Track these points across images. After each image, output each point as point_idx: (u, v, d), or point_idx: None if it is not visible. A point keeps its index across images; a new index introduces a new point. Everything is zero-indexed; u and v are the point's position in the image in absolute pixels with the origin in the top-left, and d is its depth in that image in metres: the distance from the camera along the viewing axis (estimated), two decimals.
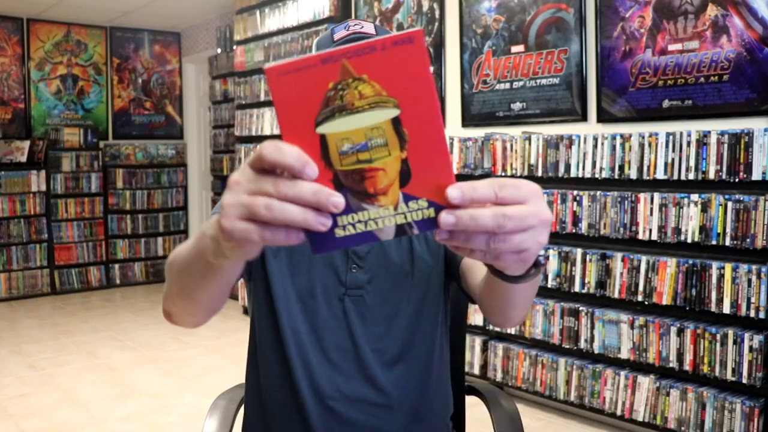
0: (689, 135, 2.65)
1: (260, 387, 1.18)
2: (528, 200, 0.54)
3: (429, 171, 0.51)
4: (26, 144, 6.00)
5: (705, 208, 2.60)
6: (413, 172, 0.51)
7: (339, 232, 0.52)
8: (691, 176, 2.65)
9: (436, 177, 0.51)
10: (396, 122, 0.50)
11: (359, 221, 0.52)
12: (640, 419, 2.80)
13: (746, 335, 2.49)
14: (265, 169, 0.51)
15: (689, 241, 2.65)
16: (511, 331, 3.27)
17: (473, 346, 3.42)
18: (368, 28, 1.12)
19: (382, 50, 0.50)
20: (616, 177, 2.88)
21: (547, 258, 0.73)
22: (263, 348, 1.16)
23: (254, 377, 1.20)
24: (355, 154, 0.51)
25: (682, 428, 2.66)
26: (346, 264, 1.13)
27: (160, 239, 6.75)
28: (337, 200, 0.50)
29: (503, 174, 3.31)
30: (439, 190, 0.51)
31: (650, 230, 2.76)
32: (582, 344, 3.00)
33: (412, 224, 0.52)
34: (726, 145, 2.55)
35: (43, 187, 6.06)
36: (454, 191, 0.51)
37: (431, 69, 0.54)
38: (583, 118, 3.12)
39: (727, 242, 2.54)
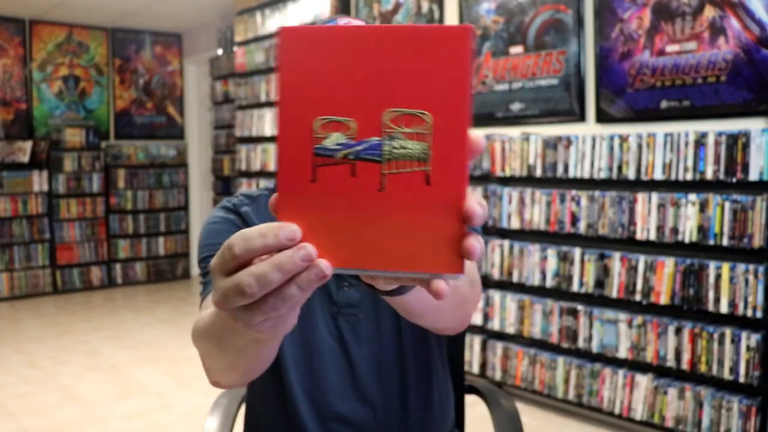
0: (687, 135, 2.66)
1: (257, 414, 1.17)
2: None
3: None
4: (28, 144, 6.02)
5: (703, 208, 2.62)
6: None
7: None
8: (689, 176, 2.66)
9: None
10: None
11: None
12: (638, 418, 2.82)
13: (743, 334, 2.51)
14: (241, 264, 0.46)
15: (687, 241, 2.66)
16: (510, 330, 3.28)
17: (472, 345, 3.44)
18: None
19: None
20: (615, 177, 2.90)
21: None
22: (262, 375, 1.14)
23: (251, 403, 1.20)
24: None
25: (680, 427, 2.68)
26: (337, 282, 1.09)
27: (161, 239, 6.77)
28: (293, 232, 0.45)
29: (502, 174, 3.32)
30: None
31: (648, 230, 2.78)
32: (580, 343, 3.01)
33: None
34: (723, 146, 2.56)
35: (45, 187, 6.08)
36: (474, 206, 0.46)
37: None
38: (582, 118, 3.13)
39: (725, 242, 2.56)
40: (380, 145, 0.46)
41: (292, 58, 0.46)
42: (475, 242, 0.44)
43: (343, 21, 1.06)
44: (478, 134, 0.46)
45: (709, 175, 2.61)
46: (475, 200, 0.45)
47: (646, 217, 2.78)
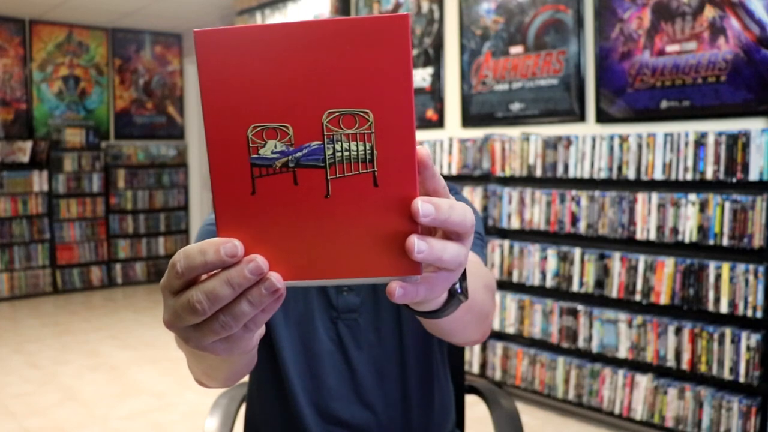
0: (687, 135, 2.66)
1: (257, 415, 1.17)
2: (466, 233, 0.46)
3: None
4: (28, 144, 6.02)
5: (703, 208, 2.62)
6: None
7: None
8: (689, 176, 2.66)
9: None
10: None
11: None
12: (638, 418, 2.82)
13: (743, 334, 2.51)
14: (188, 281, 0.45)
15: (687, 241, 2.66)
16: (510, 330, 3.29)
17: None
18: None
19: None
20: (615, 177, 2.90)
21: (463, 294, 0.58)
22: (261, 379, 1.14)
23: (251, 404, 1.20)
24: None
25: (680, 427, 2.68)
26: (336, 287, 1.07)
27: (161, 239, 6.77)
28: (233, 248, 0.43)
29: (502, 174, 3.32)
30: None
31: (648, 230, 2.78)
32: (580, 343, 3.02)
33: None
34: (723, 146, 2.56)
35: (45, 188, 6.08)
36: (424, 206, 0.43)
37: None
38: (582, 118, 3.13)
39: (725, 242, 2.56)
40: (321, 149, 0.43)
41: (211, 63, 0.42)
42: (415, 240, 0.42)
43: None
44: (423, 147, 0.44)
45: (709, 175, 2.61)
46: (424, 198, 0.43)
47: (646, 217, 2.78)
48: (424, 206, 0.43)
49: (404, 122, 0.43)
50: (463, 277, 0.58)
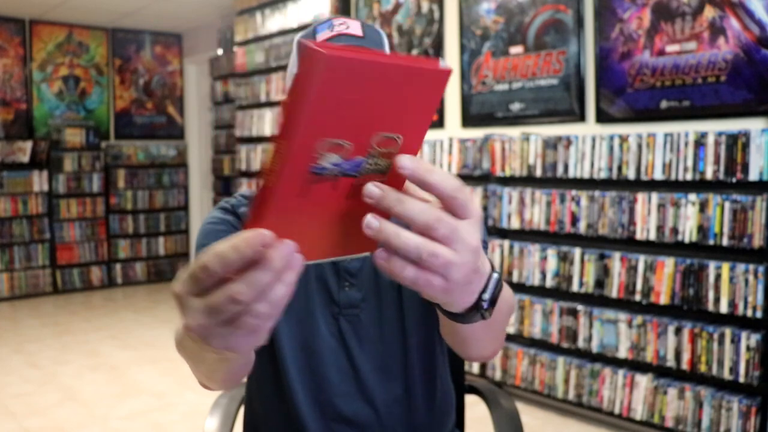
0: (687, 135, 2.66)
1: (256, 414, 1.17)
2: (458, 240, 0.50)
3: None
4: (28, 144, 6.02)
5: (703, 208, 2.62)
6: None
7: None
8: (689, 176, 2.66)
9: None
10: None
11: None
12: (638, 418, 2.82)
13: (743, 334, 2.51)
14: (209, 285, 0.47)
15: (687, 241, 2.66)
16: (510, 330, 3.29)
17: None
18: (354, 27, 1.03)
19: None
20: (614, 177, 2.90)
21: (491, 306, 0.61)
22: (261, 377, 1.13)
23: (250, 403, 1.19)
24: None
25: (680, 427, 2.68)
26: (338, 282, 1.08)
27: (161, 239, 6.78)
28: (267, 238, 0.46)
29: (502, 174, 3.32)
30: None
31: (648, 230, 2.78)
32: (580, 343, 3.02)
33: None
34: (723, 146, 2.56)
35: (45, 188, 6.08)
36: (407, 160, 0.50)
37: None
38: (582, 118, 3.14)
39: (725, 242, 2.56)
40: (362, 163, 0.50)
41: (326, 85, 0.45)
42: (369, 218, 0.49)
43: (338, 21, 1.05)
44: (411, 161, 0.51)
45: (709, 175, 2.61)
46: (376, 184, 0.50)
47: (646, 217, 2.78)
48: (369, 189, 0.50)
49: (417, 147, 0.52)
50: (493, 297, 0.61)
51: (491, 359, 0.97)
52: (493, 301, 0.60)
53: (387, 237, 0.49)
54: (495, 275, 0.61)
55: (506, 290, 0.90)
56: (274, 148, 0.47)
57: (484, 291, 0.59)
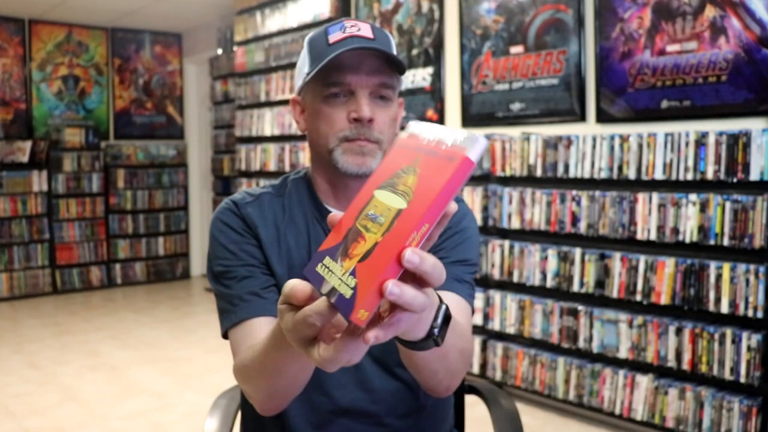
0: (687, 135, 2.66)
1: (254, 412, 1.16)
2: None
3: (380, 264, 0.55)
4: (28, 144, 6.02)
5: (703, 208, 2.62)
6: (371, 257, 0.56)
7: (318, 267, 0.61)
8: (690, 176, 2.66)
9: (381, 272, 0.54)
10: (397, 213, 0.56)
11: (326, 267, 0.60)
12: (639, 418, 2.82)
13: (744, 335, 2.51)
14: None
15: (687, 241, 2.66)
16: (511, 330, 3.28)
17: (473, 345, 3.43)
18: (365, 30, 1.05)
19: (443, 156, 0.56)
20: (615, 177, 2.90)
21: (440, 338, 0.74)
22: None
23: (246, 402, 1.19)
24: (367, 219, 0.58)
25: (681, 427, 2.67)
26: None
27: (161, 239, 6.77)
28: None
29: (502, 174, 3.32)
30: (373, 282, 0.54)
31: (649, 230, 2.77)
32: (581, 344, 3.01)
33: (335, 292, 0.57)
34: (724, 146, 2.56)
35: (45, 187, 6.08)
36: (411, 254, 0.54)
37: (460, 191, 0.62)
38: (582, 118, 3.13)
39: (726, 242, 2.55)
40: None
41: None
42: (391, 287, 0.55)
43: (350, 23, 1.06)
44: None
45: (709, 175, 2.60)
46: (415, 250, 0.57)
47: (647, 217, 2.78)
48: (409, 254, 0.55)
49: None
50: (443, 325, 0.71)
51: (444, 395, 1.04)
52: (442, 328, 0.71)
53: (405, 302, 0.55)
54: (443, 306, 0.72)
55: (464, 332, 1.00)
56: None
57: (434, 320, 0.70)
